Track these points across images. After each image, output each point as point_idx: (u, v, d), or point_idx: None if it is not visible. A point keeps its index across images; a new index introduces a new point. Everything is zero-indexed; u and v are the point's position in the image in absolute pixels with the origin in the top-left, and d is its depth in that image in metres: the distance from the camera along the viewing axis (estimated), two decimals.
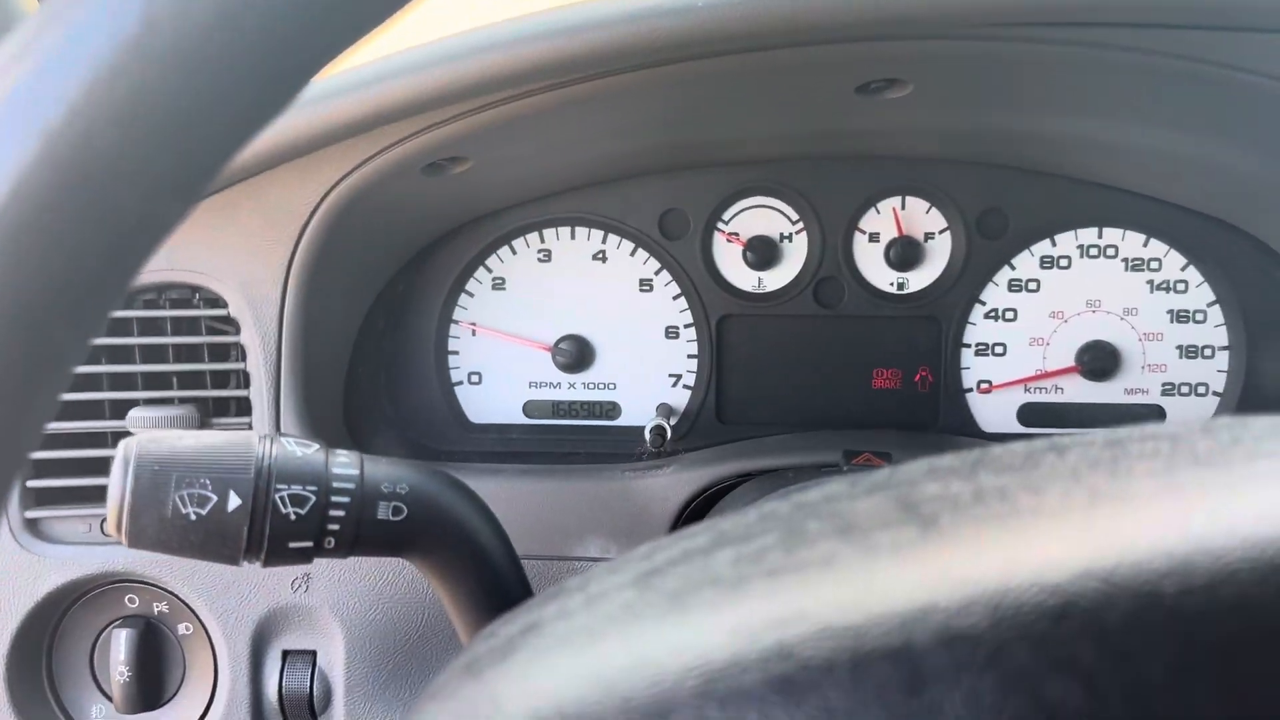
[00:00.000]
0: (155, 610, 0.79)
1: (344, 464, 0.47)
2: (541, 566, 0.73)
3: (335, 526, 0.46)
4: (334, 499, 0.46)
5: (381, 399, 0.84)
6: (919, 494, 0.22)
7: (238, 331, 0.74)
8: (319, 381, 0.77)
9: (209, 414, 0.77)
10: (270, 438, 0.46)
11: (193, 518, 0.44)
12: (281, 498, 0.45)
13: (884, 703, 0.17)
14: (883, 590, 0.18)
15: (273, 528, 0.45)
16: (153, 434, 0.45)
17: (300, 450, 0.46)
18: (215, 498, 0.44)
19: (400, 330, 0.84)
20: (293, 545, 0.45)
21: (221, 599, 0.74)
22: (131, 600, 0.78)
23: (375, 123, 0.65)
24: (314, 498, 0.45)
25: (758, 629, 0.18)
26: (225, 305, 0.75)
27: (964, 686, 0.16)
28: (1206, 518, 0.19)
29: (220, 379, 0.77)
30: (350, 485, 0.46)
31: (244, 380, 0.75)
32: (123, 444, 0.44)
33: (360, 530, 0.47)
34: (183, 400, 0.77)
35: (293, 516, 0.45)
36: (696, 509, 0.73)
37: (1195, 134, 0.72)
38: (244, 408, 0.76)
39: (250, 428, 0.76)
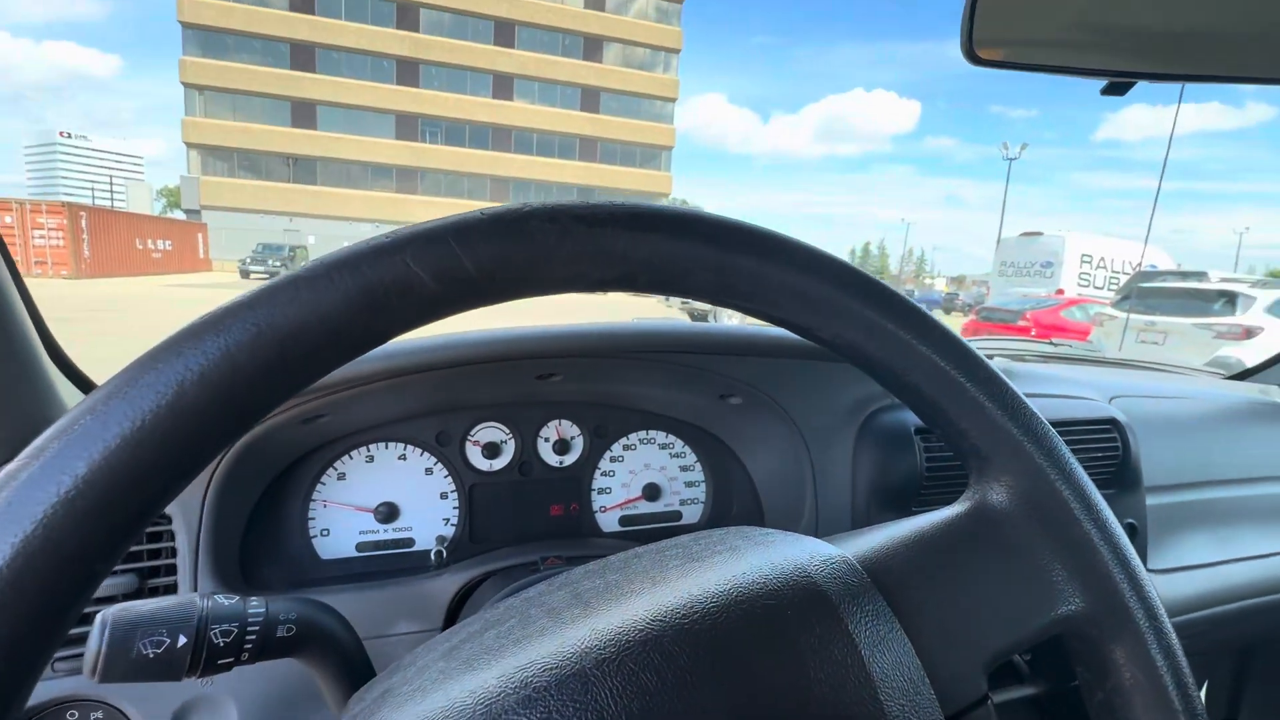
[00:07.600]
0: (92, 719, 0.97)
1: (255, 605, 0.65)
2: (373, 644, 1.02)
3: (250, 645, 0.63)
4: (249, 628, 0.63)
5: (266, 551, 1.34)
6: None
7: (169, 521, 1.04)
8: (224, 548, 1.07)
9: (145, 578, 1.03)
10: (208, 596, 0.64)
11: (151, 656, 0.57)
12: (214, 633, 0.61)
13: None
14: None
15: (208, 653, 0.61)
16: (122, 605, 0.61)
17: (227, 602, 0.64)
18: (169, 640, 0.59)
19: (278, 509, 1.35)
20: (220, 662, 0.62)
21: (144, 701, 0.97)
22: (72, 714, 0.96)
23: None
24: (236, 630, 0.62)
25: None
26: None
27: None
28: None
29: (153, 553, 1.04)
30: (259, 618, 0.64)
31: (172, 553, 1.05)
32: (100, 613, 0.59)
33: (265, 645, 0.64)
34: (123, 570, 1.01)
35: (221, 644, 0.61)
36: (462, 597, 1.14)
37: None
38: (170, 570, 1.03)
39: (176, 586, 1.03)
